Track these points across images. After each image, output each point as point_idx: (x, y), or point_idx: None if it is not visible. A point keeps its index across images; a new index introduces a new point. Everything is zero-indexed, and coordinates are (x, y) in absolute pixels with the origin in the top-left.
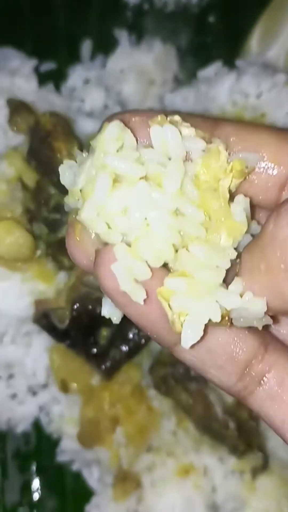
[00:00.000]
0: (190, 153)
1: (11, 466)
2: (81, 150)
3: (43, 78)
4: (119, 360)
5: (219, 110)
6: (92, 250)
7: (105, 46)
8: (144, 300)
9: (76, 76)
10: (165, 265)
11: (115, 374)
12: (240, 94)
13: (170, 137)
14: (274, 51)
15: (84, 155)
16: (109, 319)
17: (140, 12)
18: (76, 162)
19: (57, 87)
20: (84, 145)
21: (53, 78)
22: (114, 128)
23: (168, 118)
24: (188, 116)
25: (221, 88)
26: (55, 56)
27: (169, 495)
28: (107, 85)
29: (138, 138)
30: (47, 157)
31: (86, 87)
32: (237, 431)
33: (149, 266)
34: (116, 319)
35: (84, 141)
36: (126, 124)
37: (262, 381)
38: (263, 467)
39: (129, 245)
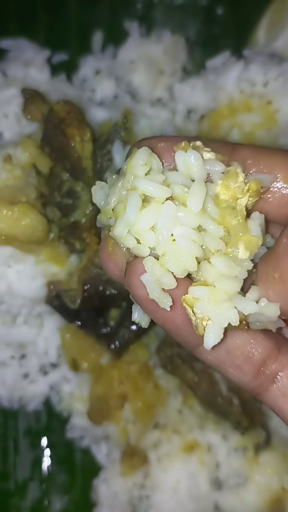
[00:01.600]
0: (211, 175)
1: (23, 443)
2: (93, 137)
3: (55, 69)
4: (127, 339)
5: (227, 98)
6: (123, 262)
7: (115, 38)
8: (170, 307)
9: (87, 67)
10: (189, 276)
11: (124, 354)
12: (247, 83)
13: (193, 161)
14: (281, 42)
15: (114, 177)
16: (118, 300)
17: (150, 4)
18: (106, 183)
19: (69, 78)
20: (96, 133)
21: (65, 69)
22: (142, 153)
23: (191, 144)
24: (209, 142)
25: (229, 76)
26: (67, 47)
27: (175, 471)
28: (118, 75)
29: (164, 162)
30: (61, 143)
31: (97, 77)
32: (241, 407)
33: (174, 276)
34: (145, 324)
35: (95, 129)
36: (152, 150)
37: (275, 379)
38: (266, 443)
39: (156, 258)
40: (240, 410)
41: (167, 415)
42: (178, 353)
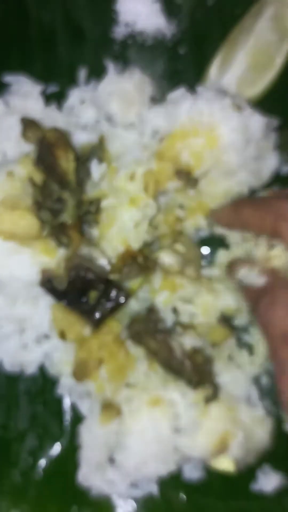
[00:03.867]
0: None
1: (22, 400)
2: (76, 157)
3: (48, 99)
4: (104, 314)
5: (180, 125)
6: None
7: (97, 73)
8: None
9: (74, 97)
10: None
11: (101, 326)
12: (197, 113)
13: None
14: (227, 78)
15: None
16: (96, 283)
17: (125, 45)
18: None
19: (59, 106)
20: (78, 153)
21: (56, 99)
22: None
23: None
24: None
25: (183, 108)
26: (58, 80)
27: (143, 420)
28: (98, 104)
29: None
30: (51, 163)
31: (82, 106)
32: (191, 367)
33: None
34: None
35: (78, 150)
36: None
37: None
38: (214, 396)
39: None
40: (190, 370)
41: (136, 376)
42: (144, 328)
